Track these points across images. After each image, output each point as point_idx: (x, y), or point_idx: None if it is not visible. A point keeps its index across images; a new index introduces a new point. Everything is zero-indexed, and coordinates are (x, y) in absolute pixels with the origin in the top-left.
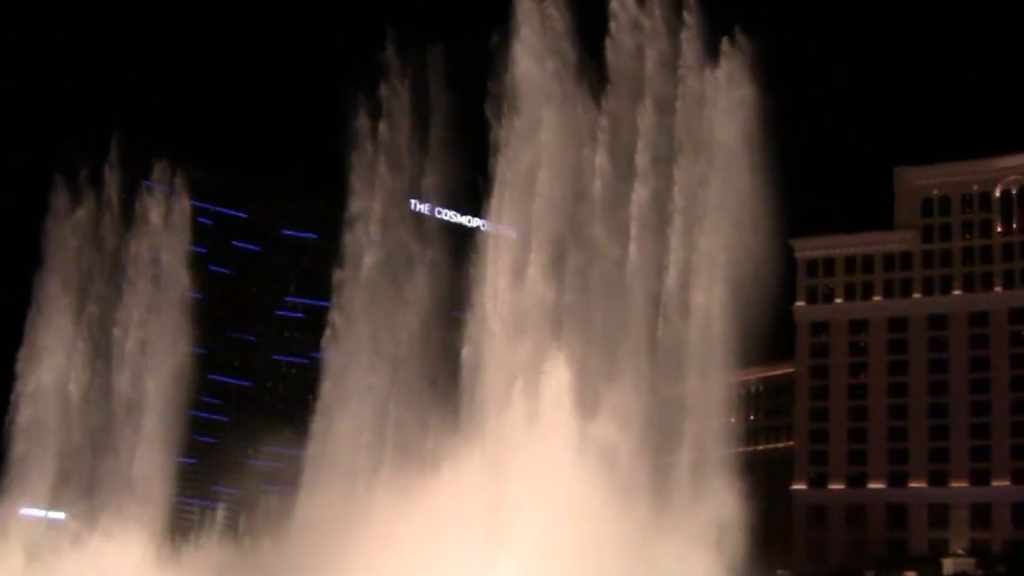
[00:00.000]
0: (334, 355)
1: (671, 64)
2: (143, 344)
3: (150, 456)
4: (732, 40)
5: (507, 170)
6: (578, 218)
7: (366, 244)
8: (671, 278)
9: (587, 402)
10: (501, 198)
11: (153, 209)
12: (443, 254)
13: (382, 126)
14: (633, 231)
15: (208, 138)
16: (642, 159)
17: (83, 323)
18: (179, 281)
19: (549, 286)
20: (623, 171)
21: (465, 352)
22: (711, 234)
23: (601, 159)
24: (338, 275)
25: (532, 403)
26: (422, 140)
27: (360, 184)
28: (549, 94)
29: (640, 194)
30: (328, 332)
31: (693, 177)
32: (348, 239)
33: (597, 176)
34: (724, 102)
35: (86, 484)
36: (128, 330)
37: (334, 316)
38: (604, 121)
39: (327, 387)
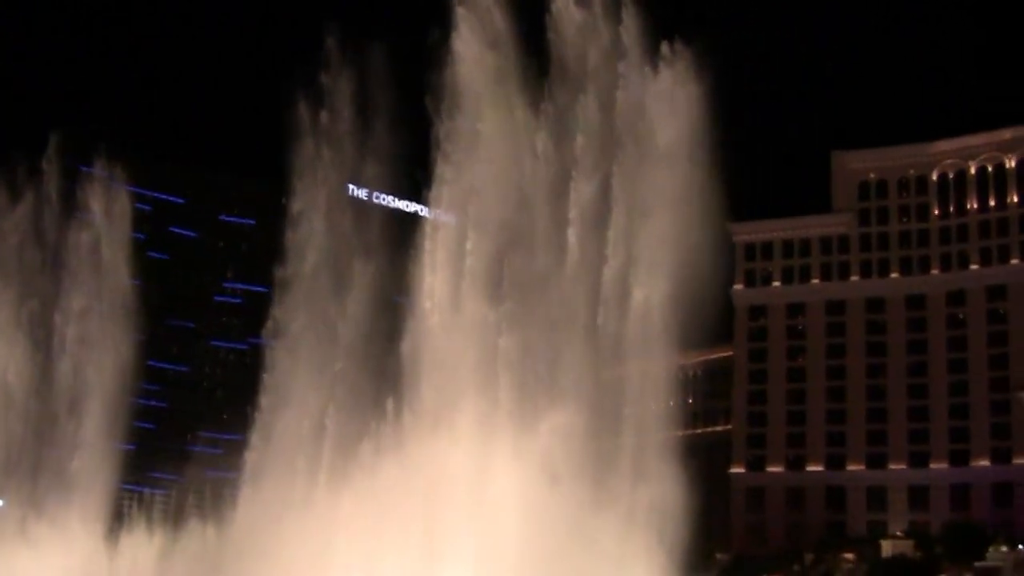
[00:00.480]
0: (275, 345)
1: (612, 55)
2: (84, 333)
3: (92, 444)
4: (671, 36)
5: (446, 164)
6: (519, 207)
7: (306, 232)
8: (610, 265)
9: (528, 394)
10: (440, 190)
11: (92, 199)
12: (382, 240)
13: (321, 111)
14: (572, 218)
15: (144, 123)
16: (582, 147)
17: (24, 313)
18: (119, 270)
19: (490, 278)
20: (564, 160)
21: (405, 346)
22: (650, 221)
23: (543, 148)
24: (278, 264)
25: (473, 394)
26: (362, 126)
27: (299, 171)
28: (489, 85)
29: (580, 182)
30: (270, 323)
31: (633, 164)
32: (287, 226)
33: (538, 165)
34: (664, 92)
35: (29, 471)
36: (69, 319)
37: (275, 306)
38: (546, 106)
39: (268, 377)
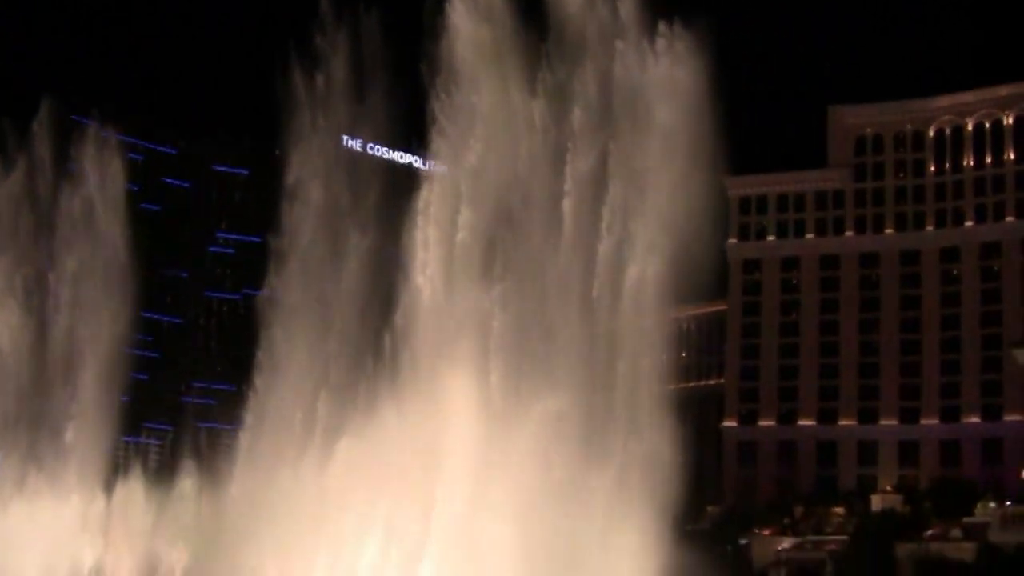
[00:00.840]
0: (272, 304)
1: (611, 19)
2: (79, 289)
3: (89, 399)
4: (669, 9)
5: (441, 139)
6: (515, 181)
7: (302, 187)
8: (605, 226)
9: (524, 359)
10: (435, 164)
11: (85, 155)
12: (378, 192)
13: (316, 67)
14: (569, 176)
15: (138, 79)
16: (580, 107)
17: (18, 276)
18: (114, 226)
19: (484, 253)
20: (560, 121)
21: (398, 319)
22: (646, 178)
23: (539, 112)
24: (273, 227)
25: (466, 362)
26: (356, 80)
27: (292, 122)
28: (485, 59)
29: (577, 156)
30: (266, 289)
31: (630, 123)
32: (283, 180)
33: (535, 138)
34: (663, 56)
35: (27, 428)
36: (64, 276)
37: (272, 260)
38: (544, 74)
39: (266, 334)
